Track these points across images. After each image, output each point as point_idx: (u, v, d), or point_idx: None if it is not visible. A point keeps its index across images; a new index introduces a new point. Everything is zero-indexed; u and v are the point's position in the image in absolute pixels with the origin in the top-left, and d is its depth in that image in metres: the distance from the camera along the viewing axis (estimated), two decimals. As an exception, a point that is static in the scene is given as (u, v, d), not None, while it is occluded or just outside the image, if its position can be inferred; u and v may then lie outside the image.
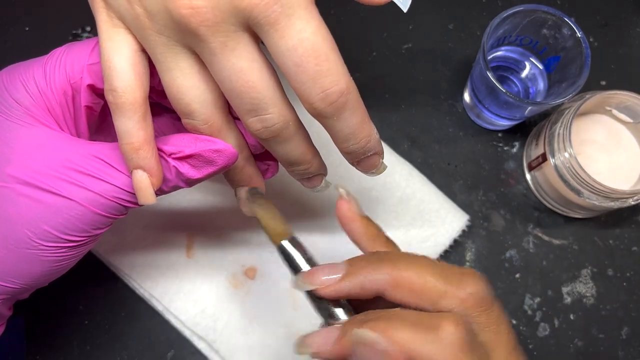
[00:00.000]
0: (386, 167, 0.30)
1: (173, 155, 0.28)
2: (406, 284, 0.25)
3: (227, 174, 0.32)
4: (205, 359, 0.42)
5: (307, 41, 0.24)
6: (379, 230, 0.31)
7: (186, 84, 0.27)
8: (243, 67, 0.25)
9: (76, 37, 0.48)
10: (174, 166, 0.28)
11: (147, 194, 0.27)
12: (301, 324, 0.42)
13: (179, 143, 0.28)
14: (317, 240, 0.43)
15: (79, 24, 0.48)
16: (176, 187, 0.29)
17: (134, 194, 0.28)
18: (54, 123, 0.29)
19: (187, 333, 0.42)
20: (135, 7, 0.25)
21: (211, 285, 0.42)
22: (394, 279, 0.26)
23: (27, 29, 0.48)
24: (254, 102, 0.26)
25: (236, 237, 0.43)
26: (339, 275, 0.27)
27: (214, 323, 0.42)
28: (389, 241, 0.31)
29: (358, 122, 0.26)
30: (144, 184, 0.27)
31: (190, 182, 0.29)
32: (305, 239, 0.30)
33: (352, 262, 0.27)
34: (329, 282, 0.27)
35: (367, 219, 0.31)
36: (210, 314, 0.42)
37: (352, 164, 0.29)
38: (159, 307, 0.42)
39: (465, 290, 0.25)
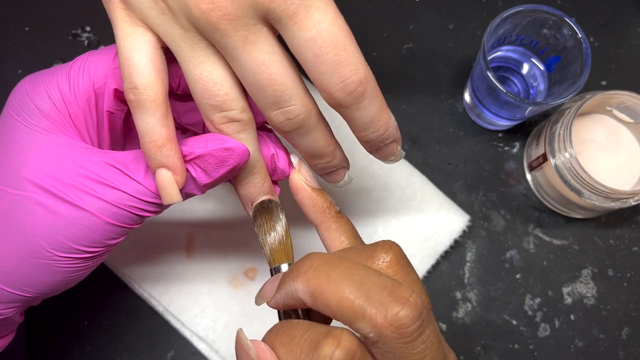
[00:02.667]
0: (404, 153, 0.30)
1: (185, 158, 0.27)
2: (321, 299, 0.23)
3: (238, 187, 0.30)
4: (205, 359, 0.42)
5: (326, 32, 0.24)
6: (329, 204, 0.30)
7: (222, 73, 0.26)
8: (265, 60, 0.25)
9: (76, 37, 0.48)
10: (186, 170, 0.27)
11: (172, 193, 0.27)
12: (301, 324, 0.42)
13: (190, 144, 0.27)
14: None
15: (79, 24, 0.48)
16: (189, 195, 0.29)
17: (148, 201, 0.28)
18: (74, 131, 0.29)
19: (187, 333, 0.42)
20: (160, 3, 0.25)
21: (211, 285, 0.42)
22: (310, 292, 0.23)
23: (27, 29, 0.48)
24: (277, 94, 0.26)
25: (236, 237, 0.43)
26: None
27: (214, 323, 0.42)
28: (340, 216, 0.30)
29: (377, 110, 0.26)
30: (169, 182, 0.27)
31: (202, 187, 0.28)
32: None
33: (285, 272, 0.26)
34: (269, 295, 0.27)
35: (318, 192, 0.31)
36: (210, 314, 0.42)
37: (371, 152, 0.29)
38: (159, 308, 0.42)
39: (386, 315, 0.21)
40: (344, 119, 0.27)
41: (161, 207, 0.29)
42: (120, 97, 0.29)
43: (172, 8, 0.25)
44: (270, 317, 0.42)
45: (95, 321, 0.43)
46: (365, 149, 0.29)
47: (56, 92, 0.28)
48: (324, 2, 0.24)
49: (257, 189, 0.30)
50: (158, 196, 0.28)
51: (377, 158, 0.30)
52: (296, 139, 0.28)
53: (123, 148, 0.32)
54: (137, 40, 0.26)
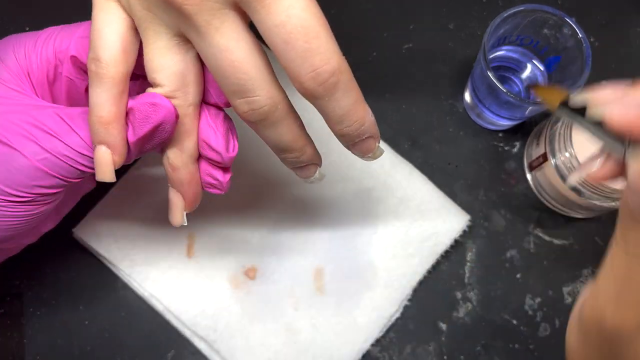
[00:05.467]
0: (383, 151, 0.29)
1: None
2: None
3: (169, 174, 0.30)
4: (205, 359, 0.42)
5: (296, 17, 0.23)
6: None
7: (162, 59, 0.26)
8: (229, 46, 0.24)
9: (76, 37, 0.48)
10: None
11: (106, 171, 0.27)
12: (301, 324, 0.42)
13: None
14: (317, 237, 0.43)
15: (79, 24, 0.48)
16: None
17: (83, 154, 0.28)
18: (31, 88, 0.30)
19: (187, 333, 0.42)
20: None
21: (211, 285, 0.42)
22: None
23: (27, 28, 0.48)
24: (240, 82, 0.25)
25: (237, 237, 0.43)
26: None
27: (215, 323, 0.42)
28: None
29: (351, 104, 0.25)
30: (105, 160, 0.27)
31: (131, 148, 0.28)
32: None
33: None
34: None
35: None
36: (210, 314, 0.42)
37: (347, 147, 0.28)
38: (159, 307, 0.42)
39: None
40: (318, 111, 0.26)
41: None
42: (81, 66, 0.29)
43: None
44: (270, 317, 0.42)
45: (95, 321, 0.43)
46: (342, 143, 0.28)
47: (21, 50, 0.29)
48: None
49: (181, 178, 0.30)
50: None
51: (355, 154, 0.29)
52: (262, 130, 0.27)
53: None
54: (112, 15, 0.26)
